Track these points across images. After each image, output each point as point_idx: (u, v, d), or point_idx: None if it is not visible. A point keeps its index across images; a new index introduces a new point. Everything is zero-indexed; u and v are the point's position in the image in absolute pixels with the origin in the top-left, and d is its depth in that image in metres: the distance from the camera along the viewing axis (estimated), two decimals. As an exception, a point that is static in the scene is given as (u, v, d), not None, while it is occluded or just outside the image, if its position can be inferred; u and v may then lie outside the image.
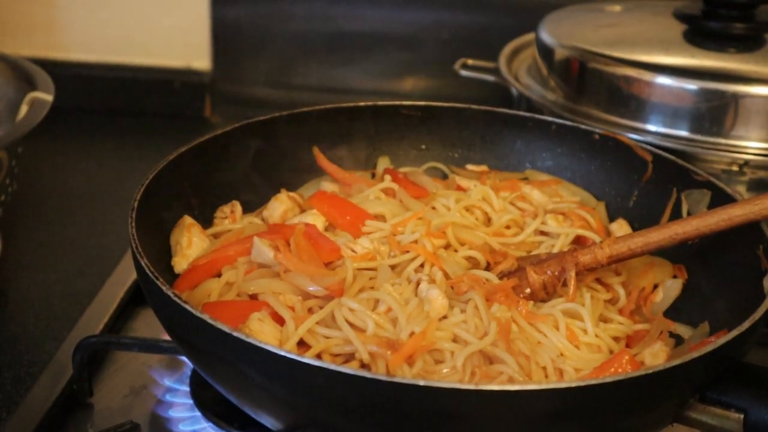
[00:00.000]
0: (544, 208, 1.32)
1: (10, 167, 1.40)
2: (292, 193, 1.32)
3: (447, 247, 1.24)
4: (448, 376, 1.02)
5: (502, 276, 1.18)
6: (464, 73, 1.74)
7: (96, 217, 1.69)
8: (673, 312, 1.20)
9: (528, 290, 1.16)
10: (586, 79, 1.55)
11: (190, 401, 1.17)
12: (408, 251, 1.19)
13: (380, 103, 1.43)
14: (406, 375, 1.01)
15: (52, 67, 1.63)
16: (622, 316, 1.19)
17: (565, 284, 1.17)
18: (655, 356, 1.09)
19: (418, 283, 1.12)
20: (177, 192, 1.24)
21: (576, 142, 1.38)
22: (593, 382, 0.89)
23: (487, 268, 1.21)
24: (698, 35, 1.56)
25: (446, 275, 1.16)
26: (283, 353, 0.90)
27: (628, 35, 1.62)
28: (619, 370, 1.03)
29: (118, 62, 2.09)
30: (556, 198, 1.35)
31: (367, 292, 1.11)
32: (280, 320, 1.07)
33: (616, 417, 0.95)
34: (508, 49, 1.76)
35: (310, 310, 1.09)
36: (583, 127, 1.39)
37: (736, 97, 1.42)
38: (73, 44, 2.08)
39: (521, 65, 1.73)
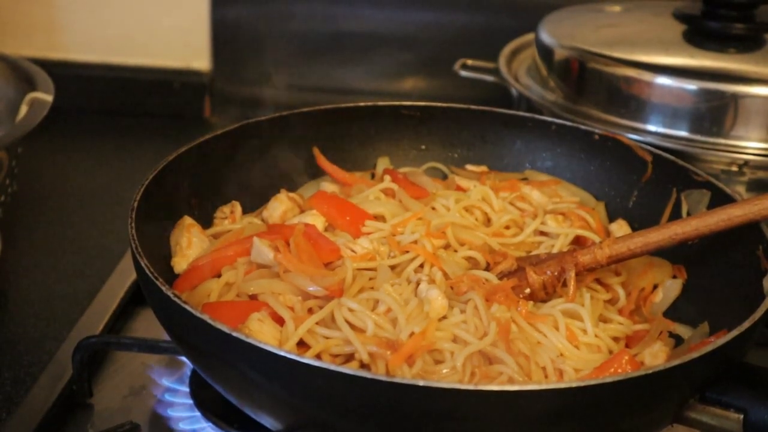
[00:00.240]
0: (543, 209, 1.32)
1: (10, 167, 1.40)
2: (291, 194, 1.32)
3: (447, 247, 1.24)
4: (448, 377, 1.02)
5: (501, 276, 1.18)
6: (464, 73, 1.74)
7: (96, 217, 1.69)
8: (673, 312, 1.20)
9: (528, 290, 1.17)
10: (585, 80, 1.55)
11: (190, 401, 1.17)
12: (408, 251, 1.19)
13: (380, 103, 1.43)
14: (405, 375, 1.01)
15: (52, 67, 1.62)
16: (621, 317, 1.19)
17: (564, 284, 1.17)
18: (655, 356, 1.09)
19: (417, 284, 1.12)
20: (177, 192, 1.24)
21: (576, 143, 1.38)
22: (593, 382, 0.89)
23: (487, 268, 1.21)
24: (698, 35, 1.56)
25: (446, 275, 1.16)
26: (282, 353, 0.90)
27: (628, 35, 1.62)
28: (619, 371, 1.03)
29: (118, 62, 2.09)
30: (555, 198, 1.35)
31: (366, 293, 1.11)
32: (279, 320, 1.07)
33: (616, 417, 0.95)
34: (507, 50, 1.76)
35: (310, 311, 1.09)
36: (582, 127, 1.39)
37: (735, 98, 1.42)
38: (73, 44, 2.08)
39: (521, 65, 1.73)
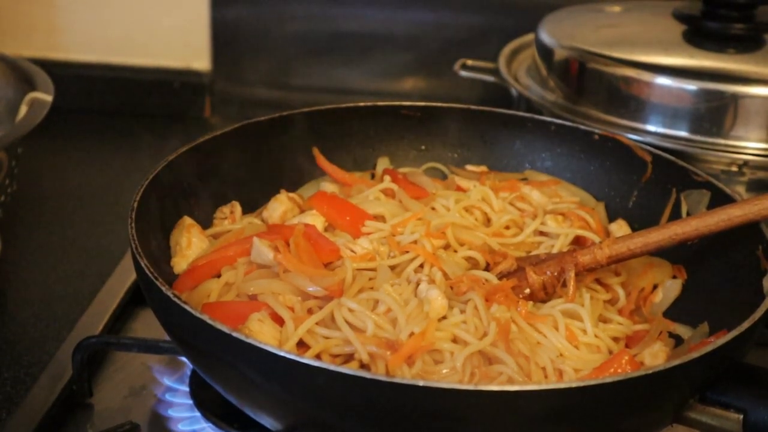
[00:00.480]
0: (543, 209, 1.32)
1: (9, 168, 1.40)
2: (291, 194, 1.32)
3: (446, 247, 1.24)
4: (448, 377, 1.02)
5: (501, 276, 1.18)
6: (464, 73, 1.74)
7: (96, 217, 1.69)
8: (673, 312, 1.20)
9: (527, 291, 1.17)
10: (585, 80, 1.55)
11: (190, 401, 1.17)
12: (407, 252, 1.19)
13: (380, 103, 1.43)
14: (405, 375, 1.01)
15: (52, 67, 1.62)
16: (621, 317, 1.19)
17: (564, 285, 1.17)
18: (655, 356, 1.09)
19: (417, 284, 1.12)
20: (177, 192, 1.24)
21: (575, 143, 1.38)
22: (593, 382, 0.89)
23: (487, 268, 1.21)
24: (698, 36, 1.56)
25: (446, 276, 1.16)
26: (282, 353, 0.90)
27: (628, 36, 1.62)
28: (619, 371, 1.03)
29: (118, 63, 2.09)
30: (555, 198, 1.35)
31: (366, 293, 1.11)
32: (279, 321, 1.07)
33: (616, 417, 0.95)
34: (507, 50, 1.76)
35: (310, 311, 1.09)
36: (582, 127, 1.39)
37: (735, 98, 1.42)
38: (73, 45, 2.08)
39: (521, 66, 1.73)
